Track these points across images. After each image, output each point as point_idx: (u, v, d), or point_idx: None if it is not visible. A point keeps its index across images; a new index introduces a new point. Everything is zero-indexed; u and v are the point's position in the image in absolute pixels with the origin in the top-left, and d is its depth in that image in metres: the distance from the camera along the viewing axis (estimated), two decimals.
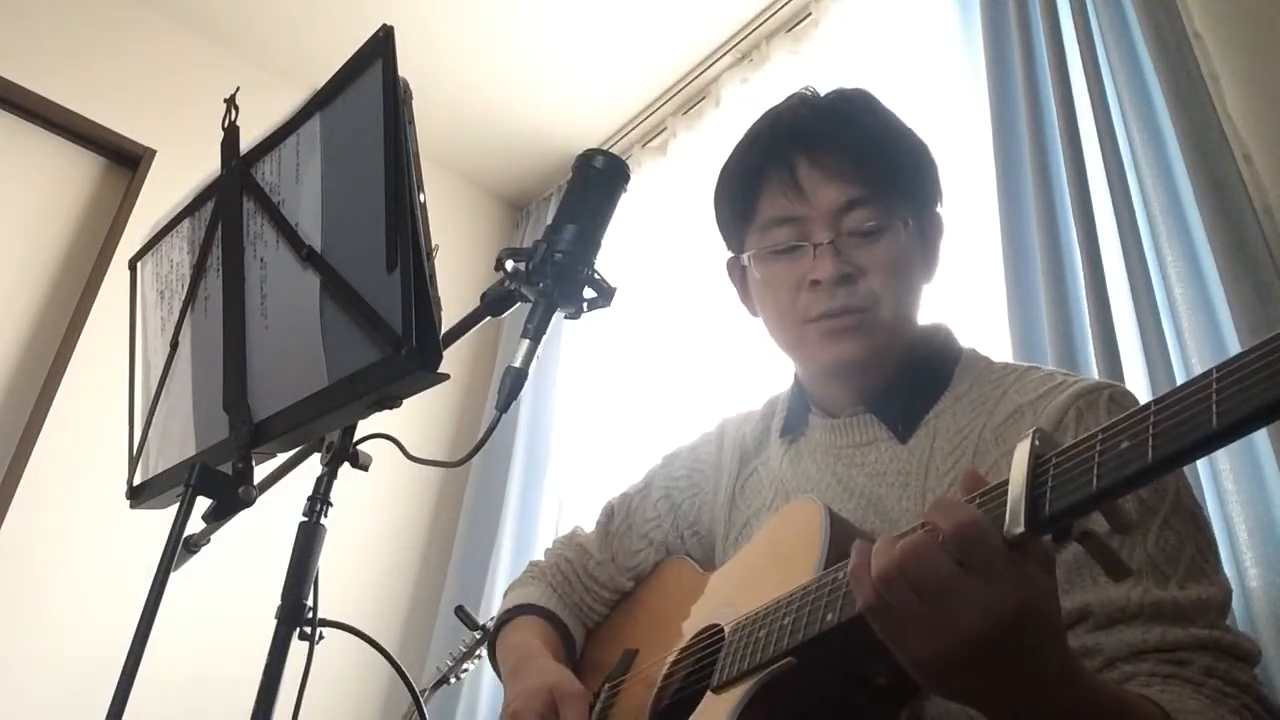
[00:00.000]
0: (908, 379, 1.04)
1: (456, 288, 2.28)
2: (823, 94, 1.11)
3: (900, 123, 1.08)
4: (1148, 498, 0.83)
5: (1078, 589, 0.82)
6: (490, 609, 2.61)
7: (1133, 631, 0.78)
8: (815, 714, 0.79)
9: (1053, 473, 0.59)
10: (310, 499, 0.98)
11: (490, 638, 1.24)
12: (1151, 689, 0.74)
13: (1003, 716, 0.67)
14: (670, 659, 0.99)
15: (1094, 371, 1.50)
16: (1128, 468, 0.54)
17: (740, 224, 1.10)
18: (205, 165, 1.16)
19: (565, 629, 1.19)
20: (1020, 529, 0.59)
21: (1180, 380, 1.43)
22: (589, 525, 1.33)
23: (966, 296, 1.84)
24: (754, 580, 0.93)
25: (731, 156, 1.13)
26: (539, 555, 1.36)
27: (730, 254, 1.16)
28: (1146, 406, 0.54)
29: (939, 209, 1.11)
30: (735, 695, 0.80)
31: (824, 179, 1.02)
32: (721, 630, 0.91)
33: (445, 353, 0.86)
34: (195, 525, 0.97)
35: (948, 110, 2.06)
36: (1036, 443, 0.61)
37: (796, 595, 0.79)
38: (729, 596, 0.96)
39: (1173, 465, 0.52)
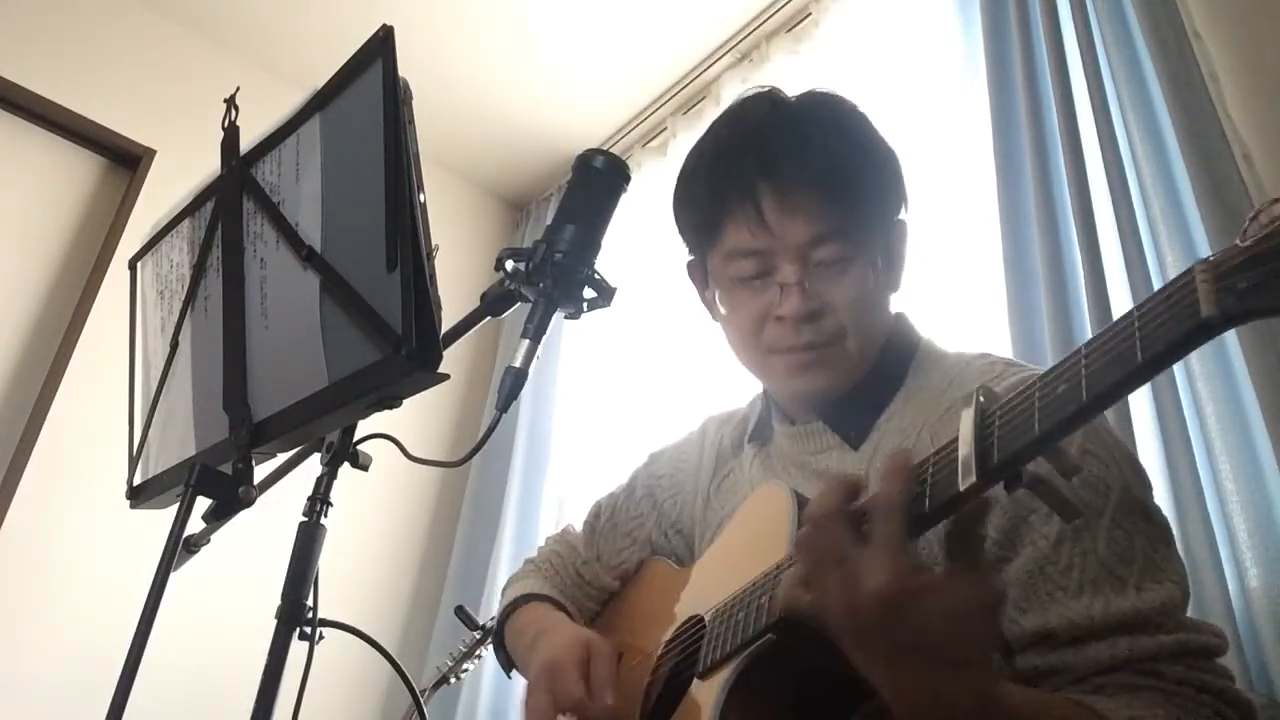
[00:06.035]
0: (861, 386, 1.02)
1: (456, 288, 2.27)
2: (790, 98, 1.06)
3: (868, 135, 1.04)
4: (1091, 499, 0.82)
5: (1036, 607, 0.81)
6: (490, 609, 2.60)
7: (1100, 648, 0.78)
8: (798, 686, 0.81)
9: (998, 422, 0.62)
10: (310, 499, 0.98)
11: (496, 629, 1.24)
12: (1119, 698, 0.75)
13: (890, 696, 0.68)
14: (657, 654, 1.01)
15: None
16: (1066, 408, 0.57)
17: (704, 241, 1.08)
18: (205, 165, 1.16)
19: (570, 613, 1.20)
20: (972, 478, 0.61)
21: (1179, 381, 1.45)
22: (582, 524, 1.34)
23: (967, 297, 1.84)
24: (730, 569, 0.94)
25: (696, 164, 1.08)
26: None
27: (691, 256, 1.14)
28: (1078, 350, 0.58)
29: (902, 216, 1.07)
30: (720, 678, 0.82)
31: (790, 213, 0.98)
32: (703, 620, 0.92)
33: (445, 353, 0.86)
34: (195, 525, 0.97)
35: (948, 111, 2.06)
36: (981, 399, 0.64)
37: (771, 573, 0.81)
38: (707, 588, 0.97)
39: (1107, 401, 0.56)
